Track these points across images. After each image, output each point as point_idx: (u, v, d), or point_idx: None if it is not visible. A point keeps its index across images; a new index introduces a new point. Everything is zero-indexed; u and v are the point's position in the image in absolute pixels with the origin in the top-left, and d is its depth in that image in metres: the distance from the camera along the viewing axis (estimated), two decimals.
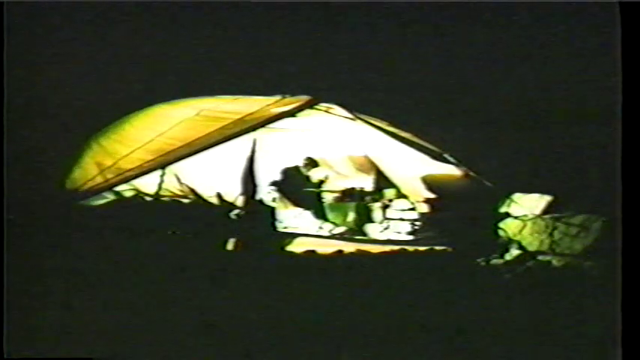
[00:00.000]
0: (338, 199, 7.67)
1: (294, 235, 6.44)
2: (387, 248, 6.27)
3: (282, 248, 6.08)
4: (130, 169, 6.08)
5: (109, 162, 6.26)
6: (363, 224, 7.35)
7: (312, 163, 7.78)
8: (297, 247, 6.10)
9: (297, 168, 7.75)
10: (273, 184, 7.52)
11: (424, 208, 7.15)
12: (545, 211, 6.32)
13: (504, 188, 6.70)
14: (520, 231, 6.25)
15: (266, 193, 7.26)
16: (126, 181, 6.09)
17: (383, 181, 7.72)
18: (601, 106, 5.21)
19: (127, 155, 6.24)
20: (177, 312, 4.13)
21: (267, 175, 7.23)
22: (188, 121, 6.45)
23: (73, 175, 6.40)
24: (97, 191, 6.07)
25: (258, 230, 6.24)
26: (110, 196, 6.14)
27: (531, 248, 6.03)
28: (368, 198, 7.58)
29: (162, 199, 6.23)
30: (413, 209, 7.18)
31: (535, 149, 7.58)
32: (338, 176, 8.02)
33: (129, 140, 6.49)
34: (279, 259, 5.75)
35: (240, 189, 6.43)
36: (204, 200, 6.55)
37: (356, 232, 7.25)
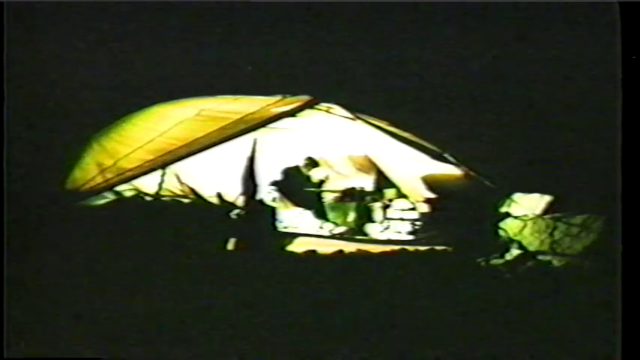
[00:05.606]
0: (338, 199, 7.67)
1: (295, 235, 6.44)
2: (388, 248, 6.27)
3: (283, 248, 6.08)
4: (130, 169, 6.08)
5: (109, 162, 6.26)
6: (363, 224, 7.35)
7: (312, 163, 7.78)
8: (297, 247, 6.10)
9: (297, 168, 7.75)
10: (274, 184, 7.52)
11: (424, 208, 7.14)
12: (546, 211, 6.32)
13: (504, 188, 6.69)
14: (520, 231, 6.24)
15: (266, 193, 7.26)
16: (126, 181, 6.09)
17: (383, 181, 7.72)
18: (601, 105, 5.21)
19: (127, 155, 6.24)
20: (177, 312, 4.13)
21: (267, 175, 7.23)
22: (188, 121, 6.45)
23: (73, 175, 6.40)
24: (97, 191, 6.07)
25: (258, 230, 6.24)
26: (110, 196, 6.13)
27: (532, 248, 6.03)
28: (368, 198, 7.58)
29: (163, 199, 6.23)
30: (413, 209, 7.19)
31: (535, 149, 7.57)
32: (338, 176, 8.02)
33: (129, 140, 6.48)
34: (279, 259, 5.75)
35: (240, 189, 6.43)
36: (204, 200, 6.55)
37: (356, 232, 7.25)
